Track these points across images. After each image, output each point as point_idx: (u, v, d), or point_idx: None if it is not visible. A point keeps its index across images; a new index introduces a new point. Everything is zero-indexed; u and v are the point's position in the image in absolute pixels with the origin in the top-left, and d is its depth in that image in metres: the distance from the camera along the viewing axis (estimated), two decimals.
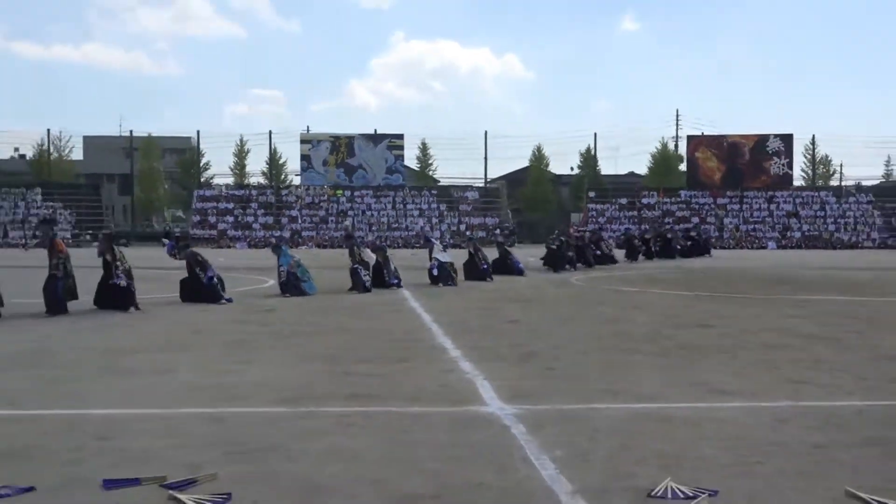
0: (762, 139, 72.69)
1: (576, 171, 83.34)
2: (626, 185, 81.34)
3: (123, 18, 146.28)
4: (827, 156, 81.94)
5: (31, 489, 4.88)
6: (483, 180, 77.50)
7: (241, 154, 78.01)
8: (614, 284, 22.80)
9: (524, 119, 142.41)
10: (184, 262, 17.10)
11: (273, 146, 77.35)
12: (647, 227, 49.87)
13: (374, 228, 65.62)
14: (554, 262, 28.50)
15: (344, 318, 14.14)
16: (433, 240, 25.59)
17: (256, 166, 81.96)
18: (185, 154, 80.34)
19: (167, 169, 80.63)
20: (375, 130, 74.00)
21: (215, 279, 16.59)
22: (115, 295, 14.84)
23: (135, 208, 76.85)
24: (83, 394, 7.74)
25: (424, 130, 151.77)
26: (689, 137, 76.09)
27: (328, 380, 8.43)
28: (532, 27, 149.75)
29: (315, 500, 4.75)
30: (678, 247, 42.16)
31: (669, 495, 4.79)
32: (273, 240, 29.49)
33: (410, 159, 78.31)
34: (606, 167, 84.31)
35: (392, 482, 5.07)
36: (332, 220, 68.44)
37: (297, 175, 74.80)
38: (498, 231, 42.11)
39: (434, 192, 74.12)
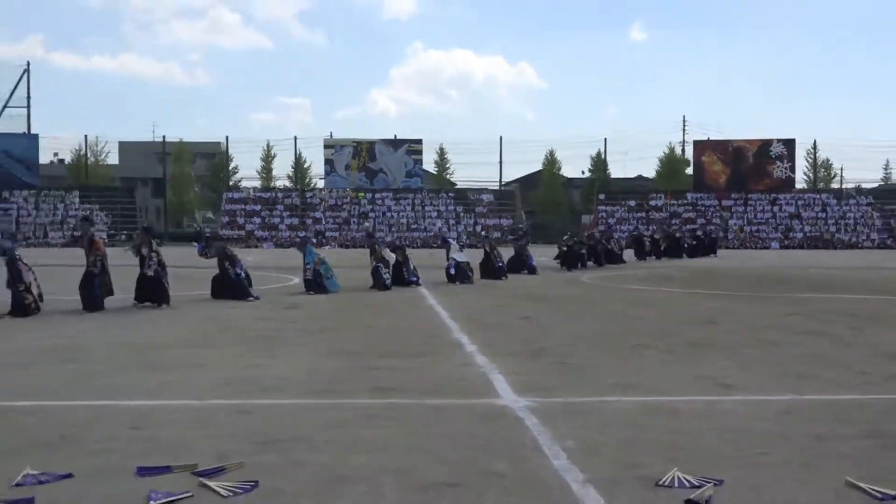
0: (765, 144, 72.37)
1: (587, 174, 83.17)
2: (635, 187, 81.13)
3: (157, 31, 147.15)
4: (828, 160, 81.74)
5: (68, 476, 4.91)
6: (498, 183, 77.44)
7: (267, 158, 78.28)
8: (623, 283, 22.73)
9: (537, 125, 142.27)
10: (214, 261, 17.15)
11: (298, 151, 77.64)
12: (655, 227, 49.69)
13: (393, 229, 65.62)
14: (566, 261, 28.45)
15: (366, 314, 14.16)
16: (450, 240, 25.59)
17: (282, 170, 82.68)
18: (215, 159, 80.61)
19: (198, 173, 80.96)
20: (395, 136, 74.09)
21: (243, 275, 16.66)
22: (149, 287, 14.86)
23: (167, 210, 77.14)
24: (117, 386, 7.77)
25: (442, 136, 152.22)
26: (696, 142, 75.81)
27: (351, 373, 8.45)
28: (544, 37, 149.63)
29: (339, 488, 4.75)
30: (685, 246, 42.02)
31: (676, 484, 4.77)
32: (298, 239, 29.56)
33: (428, 163, 78.47)
34: (616, 171, 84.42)
35: (412, 471, 5.07)
36: (354, 222, 68.53)
37: (320, 178, 74.95)
38: (512, 234, 41.92)
39: (451, 194, 74.09)
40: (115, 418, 6.46)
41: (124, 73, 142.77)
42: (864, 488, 4.71)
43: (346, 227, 68.21)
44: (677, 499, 4.56)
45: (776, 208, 70.56)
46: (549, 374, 8.51)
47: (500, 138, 76.39)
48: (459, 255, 21.95)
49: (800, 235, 67.62)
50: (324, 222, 68.47)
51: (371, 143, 72.78)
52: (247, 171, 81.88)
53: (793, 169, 72.96)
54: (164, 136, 77.26)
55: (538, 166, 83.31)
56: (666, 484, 4.79)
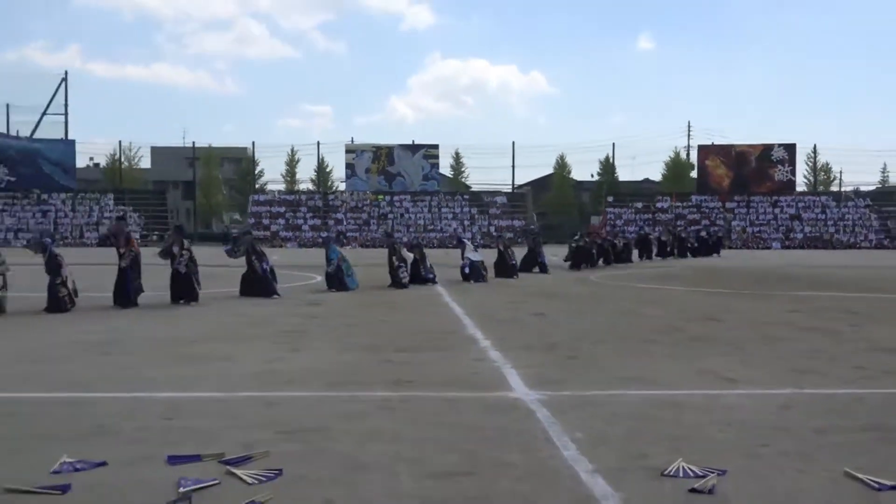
0: (767, 148, 72.01)
1: (596, 177, 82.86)
2: (642, 190, 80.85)
3: (188, 42, 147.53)
4: (827, 163, 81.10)
5: (103, 464, 4.93)
6: (511, 186, 77.27)
7: (291, 163, 78.39)
8: (630, 281, 22.67)
9: (548, 130, 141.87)
10: (242, 260, 17.21)
11: (321, 156, 77.71)
12: (661, 229, 49.48)
13: (411, 230, 65.61)
14: (574, 260, 28.32)
15: (384, 311, 14.17)
16: (465, 240, 25.57)
17: (306, 174, 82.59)
18: (242, 163, 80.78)
19: (225, 176, 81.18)
20: (413, 141, 74.13)
21: (268, 271, 16.73)
22: (181, 283, 14.91)
23: (197, 212, 77.41)
24: (149, 379, 7.81)
25: (457, 141, 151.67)
26: (700, 147, 75.47)
27: (370, 367, 8.46)
28: (555, 46, 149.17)
29: (358, 476, 4.76)
30: (689, 246, 41.85)
31: (681, 474, 4.76)
32: (321, 239, 29.60)
33: (445, 167, 78.32)
34: (624, 174, 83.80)
35: (428, 461, 5.07)
36: (373, 223, 68.59)
37: (342, 182, 75.01)
38: (524, 235, 41.65)
39: (466, 197, 74.01)
40: (147, 409, 6.49)
41: (156, 81, 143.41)
42: (862, 479, 4.68)
43: (366, 227, 68.29)
44: (682, 488, 4.55)
45: (777, 210, 70.18)
46: (560, 368, 8.50)
47: (513, 143, 76.34)
48: (474, 255, 21.95)
49: (800, 236, 67.24)
50: (345, 223, 68.54)
51: (390, 148, 72.83)
52: (272, 175, 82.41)
53: (793, 172, 72.54)
54: (193, 142, 77.55)
55: (549, 170, 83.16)
56: (671, 473, 4.78)
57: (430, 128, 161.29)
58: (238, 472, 4.76)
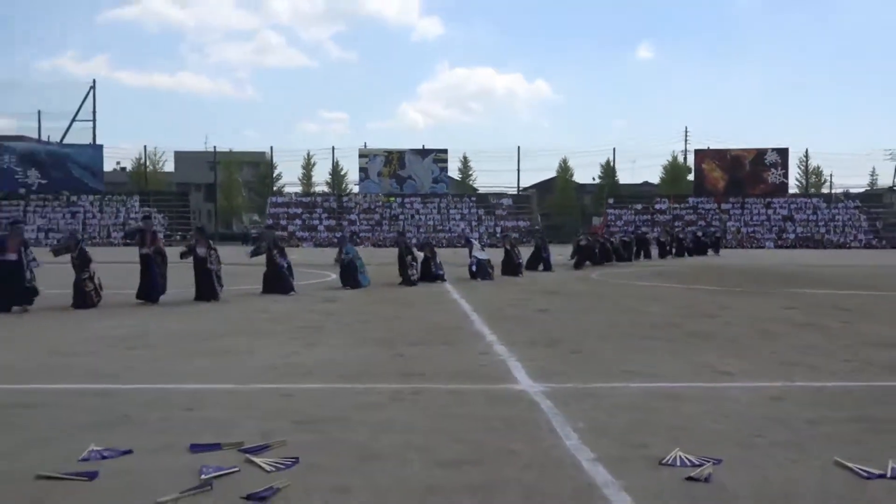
0: (761, 152, 71.77)
1: (597, 180, 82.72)
2: (641, 192, 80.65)
3: (210, 51, 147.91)
4: (818, 167, 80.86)
5: (129, 452, 4.95)
6: (516, 188, 77.10)
7: (307, 166, 78.47)
8: (631, 279, 22.62)
9: (552, 135, 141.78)
10: (261, 258, 17.24)
11: (335, 160, 77.69)
12: (660, 229, 49.34)
13: (421, 230, 65.63)
14: (579, 258, 28.14)
15: (396, 307, 14.18)
16: (473, 240, 25.56)
17: (321, 177, 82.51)
18: (260, 167, 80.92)
19: (245, 179, 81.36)
20: (423, 146, 74.05)
21: (286, 268, 16.77)
22: (207, 281, 14.92)
23: (218, 213, 77.58)
24: (172, 371, 7.83)
25: (465, 145, 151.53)
26: (697, 151, 75.26)
27: (383, 360, 8.46)
28: (559, 56, 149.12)
29: (371, 464, 4.76)
30: (686, 246, 41.69)
31: (679, 463, 4.75)
32: (335, 239, 29.61)
33: (453, 171, 78.33)
34: (624, 177, 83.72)
35: (437, 449, 5.07)
36: (385, 224, 68.61)
37: (355, 184, 74.98)
38: (532, 232, 41.25)
39: (473, 199, 73.99)
40: (170, 400, 6.51)
41: (180, 89, 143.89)
42: (852, 468, 4.67)
43: (378, 228, 68.30)
44: (679, 476, 4.54)
45: (770, 211, 69.95)
46: (563, 361, 8.49)
47: (518, 148, 76.17)
48: (481, 254, 21.92)
49: (792, 236, 67.00)
50: (358, 224, 68.57)
51: (401, 153, 72.82)
52: (289, 178, 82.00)
53: (786, 175, 72.29)
54: (215, 147, 77.71)
55: (553, 173, 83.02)
56: (669, 463, 4.77)
57: (440, 133, 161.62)
58: (257, 460, 4.77)
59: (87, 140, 72.33)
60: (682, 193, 74.10)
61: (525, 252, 25.97)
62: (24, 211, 63.94)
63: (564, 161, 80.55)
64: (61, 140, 72.64)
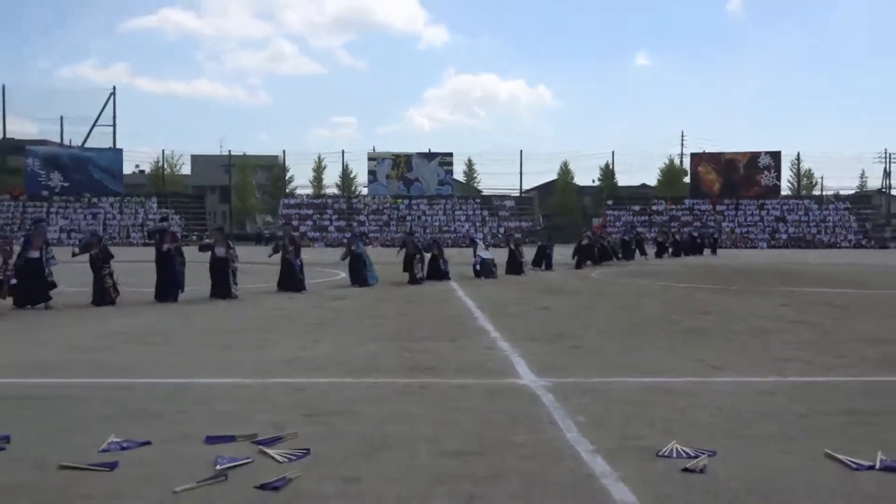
0: (754, 156, 71.57)
1: (596, 182, 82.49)
2: (639, 194, 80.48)
3: (225, 59, 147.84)
4: (810, 169, 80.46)
5: (147, 443, 4.96)
6: (518, 190, 77.00)
7: (318, 169, 78.43)
8: (629, 278, 22.59)
9: (553, 139, 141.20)
10: (277, 258, 17.28)
11: (345, 163, 77.68)
12: (657, 230, 49.24)
13: (427, 231, 65.60)
14: (580, 258, 27.98)
15: (403, 305, 14.18)
16: (477, 240, 25.52)
17: (331, 179, 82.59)
18: (273, 170, 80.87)
19: (258, 182, 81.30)
20: (429, 149, 73.97)
21: (300, 267, 16.80)
22: (223, 280, 14.92)
23: (232, 214, 77.62)
24: (189, 366, 7.85)
25: (470, 149, 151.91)
26: (693, 154, 75.09)
27: (390, 355, 8.47)
28: (560, 63, 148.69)
29: (379, 455, 4.77)
30: (684, 246, 41.59)
31: (675, 455, 4.75)
32: (345, 239, 29.55)
33: (458, 173, 78.15)
34: (622, 179, 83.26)
35: (443, 440, 5.08)
36: (393, 224, 68.62)
37: (364, 187, 74.93)
38: (536, 234, 40.94)
39: (477, 200, 73.88)
40: (187, 394, 6.53)
41: (196, 95, 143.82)
42: (842, 459, 4.66)
43: (386, 228, 68.26)
44: (675, 468, 4.54)
45: (764, 212, 69.76)
46: (564, 357, 8.49)
47: (521, 151, 76.08)
48: (485, 253, 21.91)
49: (784, 237, 66.80)
50: (367, 224, 68.54)
51: (408, 156, 72.79)
52: (301, 181, 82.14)
53: (778, 178, 72.07)
54: (229, 150, 77.73)
55: (554, 175, 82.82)
56: (665, 454, 4.77)
57: (445, 137, 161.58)
58: (269, 451, 4.78)
59: (108, 144, 72.51)
60: (678, 195, 73.92)
61: (528, 252, 25.93)
62: (46, 212, 64.10)
63: (565, 164, 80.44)
64: (83, 144, 72.83)
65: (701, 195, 71.70)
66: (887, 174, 77.28)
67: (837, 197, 74.48)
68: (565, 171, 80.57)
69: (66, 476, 4.37)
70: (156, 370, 7.61)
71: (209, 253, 15.29)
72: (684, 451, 4.78)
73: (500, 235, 57.83)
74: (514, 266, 23.07)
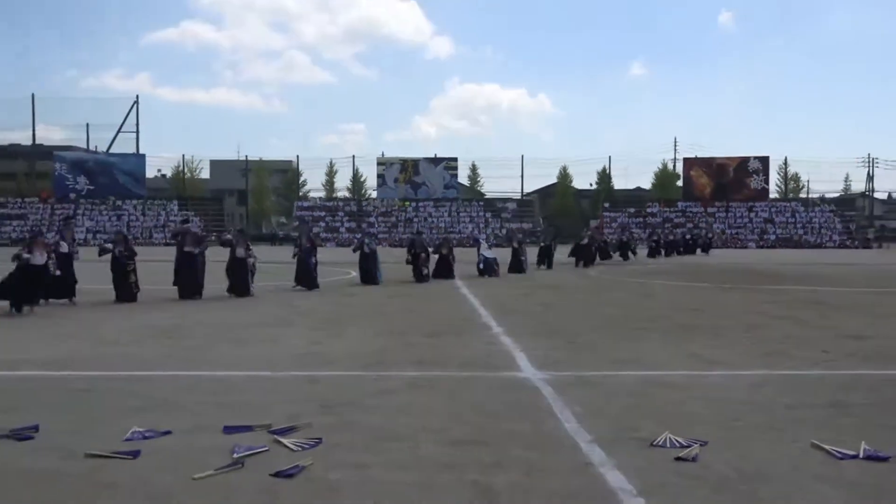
0: (744, 161, 71.36)
1: (594, 186, 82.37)
2: (634, 197, 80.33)
3: (242, 69, 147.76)
4: (797, 173, 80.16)
5: (168, 433, 4.97)
6: (520, 193, 76.92)
7: (330, 173, 78.42)
8: (625, 276, 22.55)
9: (553, 145, 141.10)
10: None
11: (356, 167, 77.72)
12: (650, 231, 49.14)
13: (433, 232, 65.59)
14: (578, 257, 27.85)
15: (410, 302, 14.18)
16: (481, 240, 25.47)
17: (342, 183, 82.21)
18: (288, 174, 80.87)
19: (274, 185, 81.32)
20: (435, 155, 73.87)
21: (315, 265, 16.80)
22: (242, 277, 14.94)
23: (249, 216, 77.69)
24: (208, 359, 7.86)
25: (474, 154, 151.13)
26: (685, 159, 74.83)
27: (399, 350, 8.47)
28: (559, 73, 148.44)
29: (387, 444, 4.77)
30: (677, 247, 41.50)
31: (668, 444, 4.74)
32: (356, 239, 29.61)
33: (463, 177, 77.94)
34: (618, 183, 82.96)
35: (448, 430, 5.08)
36: (401, 226, 68.61)
37: (374, 190, 74.87)
38: (542, 234, 40.75)
39: (481, 203, 73.82)
40: (206, 386, 6.54)
41: (215, 103, 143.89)
42: (827, 449, 4.66)
43: (394, 229, 68.25)
44: (669, 456, 4.54)
45: (753, 214, 69.57)
46: (563, 351, 8.48)
47: (522, 156, 75.97)
48: (488, 253, 21.86)
49: (772, 237, 66.59)
50: (376, 226, 68.48)
51: (415, 161, 72.75)
52: (314, 184, 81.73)
53: (767, 182, 71.83)
54: (246, 156, 77.78)
55: (553, 179, 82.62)
56: (659, 444, 4.76)
57: (451, 143, 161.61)
58: (284, 440, 4.79)
59: (131, 150, 72.55)
60: (671, 198, 73.72)
61: (531, 251, 25.87)
62: (73, 213, 64.24)
63: (564, 168, 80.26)
64: (107, 150, 72.92)
65: (693, 198, 71.52)
66: (870, 178, 76.93)
67: (823, 200, 74.28)
68: (564, 176, 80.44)
69: (91, 463, 4.39)
70: (177, 363, 7.63)
71: (228, 252, 15.31)
72: (677, 441, 4.78)
73: (501, 235, 57.74)
74: (517, 265, 23.02)
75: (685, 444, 4.71)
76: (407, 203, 71.34)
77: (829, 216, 69.15)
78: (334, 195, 77.73)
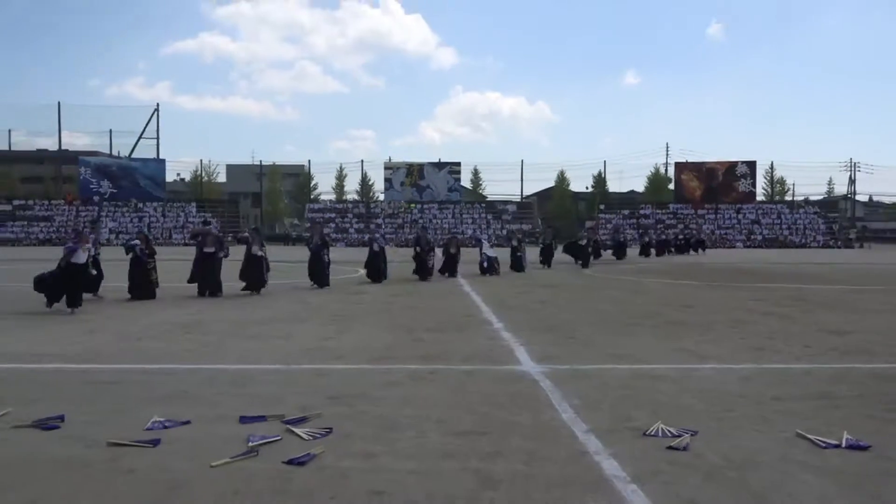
0: (732, 165, 71.23)
1: (590, 189, 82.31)
2: (628, 200, 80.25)
3: (256, 78, 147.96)
4: (782, 177, 79.99)
5: (187, 422, 4.98)
6: (520, 196, 76.90)
7: (340, 177, 78.44)
8: (620, 275, 22.51)
9: (551, 150, 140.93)
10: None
11: (364, 171, 77.75)
12: (642, 231, 49.02)
13: (437, 232, 65.57)
14: (578, 255, 27.70)
15: (415, 299, 14.17)
16: (483, 240, 25.46)
17: (351, 186, 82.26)
18: (300, 178, 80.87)
19: (286, 188, 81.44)
20: (440, 159, 73.87)
21: (328, 264, 16.81)
22: (257, 274, 14.94)
23: (263, 217, 77.77)
24: (224, 353, 7.87)
25: (476, 159, 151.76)
26: (677, 163, 74.65)
27: (404, 345, 8.47)
28: (557, 82, 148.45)
29: (393, 433, 4.77)
30: (668, 248, 41.44)
31: (660, 434, 4.74)
32: (366, 239, 29.61)
33: (465, 181, 77.82)
34: (613, 186, 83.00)
35: (451, 421, 5.08)
36: (407, 227, 68.61)
37: (381, 193, 74.91)
38: (543, 235, 40.77)
39: (483, 205, 73.74)
40: (222, 378, 6.54)
41: (231, 111, 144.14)
42: (811, 439, 4.65)
43: (401, 230, 68.26)
44: (661, 445, 4.53)
45: (741, 216, 69.43)
46: (560, 346, 8.47)
47: (522, 161, 76.38)
48: (489, 252, 21.85)
49: (759, 238, 66.45)
50: (383, 227, 68.52)
51: (421, 165, 72.73)
52: (324, 188, 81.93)
53: (754, 185, 71.67)
54: (261, 160, 78.01)
55: (551, 183, 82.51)
56: (652, 434, 4.76)
57: (454, 148, 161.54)
58: (296, 430, 4.79)
59: (152, 155, 72.68)
60: (663, 201, 73.59)
61: (530, 251, 25.82)
62: (98, 215, 64.35)
63: (562, 172, 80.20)
64: (129, 155, 73.08)
65: (684, 200, 71.41)
66: (852, 181, 76.87)
67: (807, 202, 74.17)
68: (562, 179, 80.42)
69: (113, 451, 4.39)
70: (195, 357, 7.64)
71: (244, 250, 15.34)
72: (669, 431, 4.77)
73: (501, 235, 57.75)
74: (517, 263, 23.00)
75: (677, 434, 4.71)
76: (412, 205, 71.31)
77: (814, 217, 69.02)
78: (344, 198, 77.76)
